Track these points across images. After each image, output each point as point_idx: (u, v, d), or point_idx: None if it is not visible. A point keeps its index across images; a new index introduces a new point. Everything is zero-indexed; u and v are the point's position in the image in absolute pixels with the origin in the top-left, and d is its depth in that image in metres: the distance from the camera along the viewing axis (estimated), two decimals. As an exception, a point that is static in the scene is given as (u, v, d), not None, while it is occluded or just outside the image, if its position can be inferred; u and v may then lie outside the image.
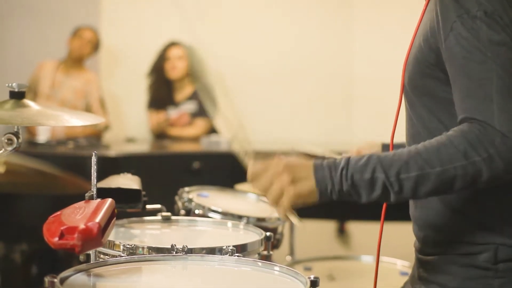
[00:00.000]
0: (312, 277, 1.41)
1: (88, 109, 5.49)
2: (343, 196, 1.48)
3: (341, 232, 5.83)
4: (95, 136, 5.33)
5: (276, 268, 1.52)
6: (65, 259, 4.41)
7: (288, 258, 2.97)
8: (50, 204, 3.77)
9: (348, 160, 1.48)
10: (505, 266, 1.57)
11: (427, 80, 1.61)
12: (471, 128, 1.45)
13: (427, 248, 1.70)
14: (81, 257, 1.80)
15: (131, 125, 6.23)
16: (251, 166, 1.57)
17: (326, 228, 5.65)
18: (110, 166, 3.91)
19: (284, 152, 3.05)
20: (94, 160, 1.67)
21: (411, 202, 1.77)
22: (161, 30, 6.23)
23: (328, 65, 6.58)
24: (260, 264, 1.55)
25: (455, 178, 1.44)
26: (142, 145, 5.53)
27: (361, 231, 5.57)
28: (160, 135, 5.65)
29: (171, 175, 4.14)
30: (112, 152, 4.49)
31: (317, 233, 5.45)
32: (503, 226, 1.59)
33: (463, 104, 1.49)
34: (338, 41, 6.60)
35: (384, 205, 1.75)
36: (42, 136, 4.68)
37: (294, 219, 1.55)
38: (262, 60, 6.48)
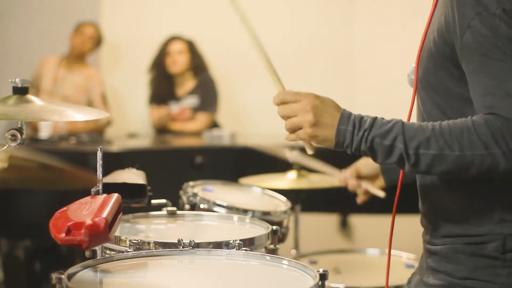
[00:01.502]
0: (321, 270, 1.40)
1: (90, 104, 5.48)
2: (358, 153, 1.53)
3: (344, 226, 5.83)
4: (97, 132, 5.33)
5: (285, 262, 1.51)
6: (68, 255, 4.41)
7: (293, 251, 2.96)
8: (53, 200, 3.76)
9: (373, 122, 1.52)
10: None
11: (441, 75, 1.61)
12: (496, 120, 1.46)
13: (436, 239, 1.69)
14: (87, 253, 1.78)
15: (133, 120, 6.23)
16: (283, 91, 1.62)
17: (328, 221, 5.65)
18: (113, 161, 3.89)
19: (291, 148, 3.06)
20: (99, 155, 1.65)
21: (419, 198, 1.77)
22: (162, 24, 6.22)
23: (329, 57, 6.57)
24: (268, 258, 1.54)
25: (472, 165, 1.47)
26: (144, 140, 5.52)
27: (364, 224, 5.57)
28: (161, 130, 5.64)
29: (174, 170, 4.13)
30: (115, 147, 4.48)
31: (319, 226, 5.45)
32: (510, 217, 1.59)
33: (484, 102, 1.50)
34: (340, 33, 6.59)
35: (396, 199, 1.75)
36: (44, 132, 4.67)
37: (309, 147, 1.61)
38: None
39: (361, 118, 1.53)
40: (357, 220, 5.69)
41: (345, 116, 1.54)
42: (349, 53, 6.57)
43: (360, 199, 2.41)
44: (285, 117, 1.58)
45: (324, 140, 1.54)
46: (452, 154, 1.47)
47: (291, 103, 1.57)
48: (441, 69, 1.60)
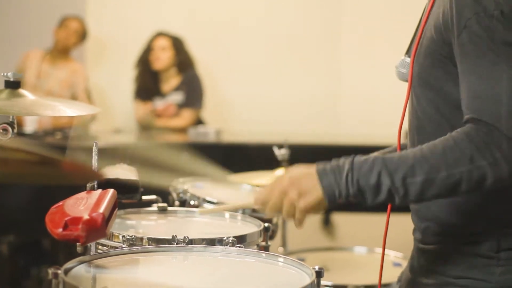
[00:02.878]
0: (317, 267, 1.41)
1: (74, 100, 5.45)
2: (350, 199, 1.50)
3: (327, 223, 5.84)
4: (82, 127, 5.29)
5: (280, 259, 1.52)
6: (51, 251, 4.39)
7: (280, 249, 2.97)
8: (37, 195, 3.74)
9: (352, 163, 1.48)
10: (507, 255, 1.58)
11: (437, 73, 1.59)
12: (477, 131, 1.44)
13: (428, 238, 1.70)
14: (79, 249, 1.78)
15: (117, 116, 6.20)
16: (257, 194, 1.58)
17: (311, 219, 5.65)
18: (99, 156, 3.87)
19: (279, 145, 3.06)
20: (95, 150, 1.66)
21: None
22: (148, 20, 6.20)
23: (315, 57, 6.57)
24: (264, 255, 1.55)
25: (460, 182, 1.45)
26: (129, 136, 5.50)
27: (346, 222, 5.59)
28: (146, 126, 5.62)
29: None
30: (101, 143, 4.45)
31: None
32: (506, 216, 1.60)
33: (471, 104, 1.48)
34: (325, 36, 6.59)
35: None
36: (30, 126, 4.64)
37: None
38: (250, 52, 6.47)
39: (337, 164, 1.50)
40: (339, 218, 5.71)
41: (321, 170, 1.50)
42: (336, 55, 6.58)
43: None
44: (277, 210, 1.54)
45: (319, 204, 1.50)
46: (439, 175, 1.44)
47: (270, 196, 1.54)
48: (439, 67, 1.59)
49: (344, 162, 1.49)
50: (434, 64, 1.59)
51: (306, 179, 1.50)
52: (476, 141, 1.43)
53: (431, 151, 1.46)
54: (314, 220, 5.72)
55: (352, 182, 1.47)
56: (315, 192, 1.49)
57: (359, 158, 1.50)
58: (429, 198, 1.49)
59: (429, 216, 1.68)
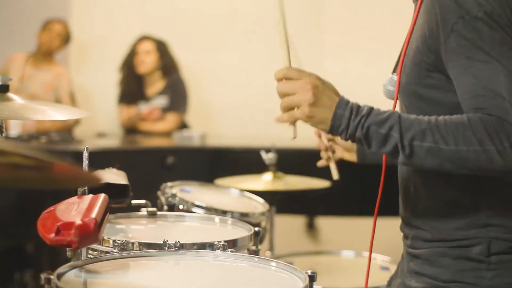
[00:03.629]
0: (309, 272, 1.41)
1: (58, 103, 5.41)
2: (353, 139, 1.53)
3: (311, 227, 5.85)
4: (66, 131, 5.27)
5: (273, 263, 1.52)
6: (35, 255, 4.36)
7: (268, 253, 2.97)
8: (20, 199, 3.72)
9: (370, 110, 1.52)
10: (497, 259, 1.60)
11: (426, 84, 1.62)
12: (491, 119, 1.47)
13: (418, 243, 1.71)
14: (69, 254, 1.78)
15: (101, 120, 6.17)
16: (287, 67, 1.60)
17: (295, 223, 5.67)
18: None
19: (266, 149, 3.06)
20: (85, 154, 1.65)
21: (400, 203, 1.78)
22: (133, 24, 6.18)
23: (300, 61, 6.57)
24: (256, 259, 1.54)
25: (466, 160, 1.48)
26: (113, 140, 5.48)
27: (330, 226, 5.60)
28: (130, 130, 5.60)
29: (145, 170, 4.11)
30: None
31: (286, 228, 5.47)
32: (496, 220, 1.61)
33: (475, 103, 1.51)
34: (308, 40, 6.60)
35: (377, 203, 1.76)
36: (13, 130, 4.61)
37: (294, 131, 1.59)
38: (234, 56, 6.47)
39: (358, 106, 1.53)
40: (323, 222, 5.72)
41: (343, 101, 1.53)
42: (319, 61, 6.59)
43: (320, 163, 2.31)
44: (284, 94, 1.56)
45: (320, 122, 1.54)
46: (447, 148, 1.47)
47: (293, 80, 1.55)
48: (427, 78, 1.61)
49: (365, 106, 1.53)
50: (422, 76, 1.62)
51: (328, 96, 1.53)
52: (488, 127, 1.46)
53: (445, 122, 1.49)
54: (299, 224, 5.73)
55: (362, 126, 1.51)
56: (326, 112, 1.52)
57: (379, 109, 1.53)
58: (432, 166, 1.51)
59: (419, 223, 1.69)
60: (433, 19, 1.57)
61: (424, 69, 1.61)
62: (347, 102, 1.54)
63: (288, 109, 1.55)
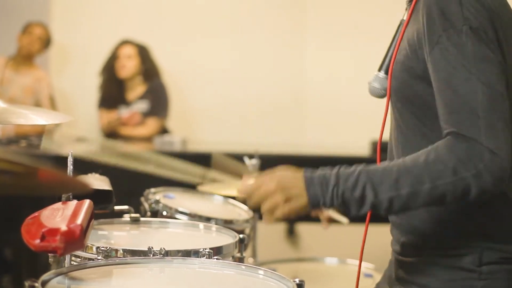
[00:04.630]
0: (297, 280, 1.40)
1: (37, 107, 5.36)
2: (333, 208, 1.55)
3: (291, 233, 5.84)
4: (45, 135, 5.22)
5: (261, 271, 1.50)
6: (14, 261, 4.31)
7: (251, 260, 2.95)
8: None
9: (337, 176, 1.51)
10: (488, 269, 1.59)
11: (416, 88, 1.62)
12: (459, 143, 1.46)
13: (408, 250, 1.70)
14: (51, 260, 1.75)
15: (81, 124, 6.13)
16: (243, 183, 1.60)
17: (275, 229, 5.65)
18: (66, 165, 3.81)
19: (250, 155, 3.04)
20: (70, 159, 1.62)
21: None
22: (114, 28, 6.15)
23: (280, 71, 6.58)
24: (243, 267, 1.53)
25: (445, 194, 1.47)
26: (93, 145, 5.43)
27: (310, 232, 5.59)
28: (110, 134, 5.56)
29: (127, 176, 4.07)
30: (66, 152, 4.39)
31: (267, 235, 5.46)
32: (488, 231, 1.61)
33: (449, 119, 1.51)
34: (290, 44, 6.61)
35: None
36: (-8, 134, 4.55)
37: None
38: (216, 61, 6.45)
39: (324, 176, 1.52)
40: (303, 228, 5.71)
41: (308, 179, 1.53)
42: (300, 66, 6.60)
43: (324, 224, 2.32)
44: (257, 205, 1.57)
45: (302, 210, 1.54)
46: (423, 188, 1.46)
47: (255, 191, 1.56)
48: (417, 83, 1.61)
49: (331, 174, 1.52)
50: (412, 81, 1.62)
51: (293, 186, 1.53)
52: (458, 153, 1.46)
53: (414, 163, 1.48)
54: (279, 230, 5.72)
55: (337, 195, 1.50)
56: (301, 199, 1.53)
57: (345, 171, 1.52)
58: (414, 209, 1.52)
59: (411, 230, 1.69)
60: (421, 29, 1.58)
61: (414, 75, 1.61)
62: (312, 178, 1.53)
63: (270, 213, 1.56)
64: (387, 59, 1.75)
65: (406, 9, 1.77)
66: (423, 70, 1.58)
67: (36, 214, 1.44)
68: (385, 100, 1.73)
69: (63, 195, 1.57)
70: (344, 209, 1.53)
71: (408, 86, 1.63)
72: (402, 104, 1.66)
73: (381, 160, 1.75)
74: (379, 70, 1.77)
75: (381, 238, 1.87)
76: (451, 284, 1.61)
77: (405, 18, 1.76)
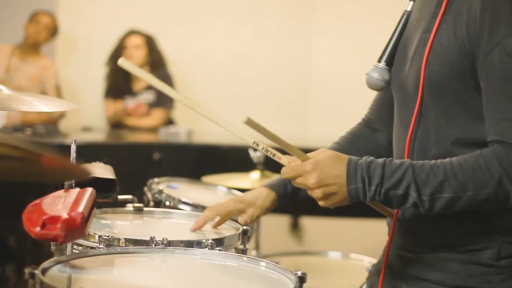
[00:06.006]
0: (299, 273, 1.38)
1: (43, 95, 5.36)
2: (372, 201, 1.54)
3: (295, 227, 5.83)
4: (51, 123, 5.22)
5: (263, 263, 1.49)
6: (17, 249, 4.31)
7: (254, 252, 2.94)
8: (1, 192, 3.67)
9: (383, 173, 1.49)
10: (507, 262, 1.59)
11: (455, 83, 1.56)
12: (507, 153, 1.47)
13: (418, 248, 1.68)
14: (53, 248, 1.74)
15: (87, 114, 6.13)
16: (287, 165, 1.56)
17: (280, 222, 5.65)
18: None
19: (254, 148, 3.03)
20: (73, 147, 1.61)
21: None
22: (120, 18, 6.14)
23: (285, 62, 6.56)
24: (245, 259, 1.52)
25: (485, 202, 1.48)
26: (99, 134, 5.44)
27: (314, 226, 5.59)
28: (116, 124, 5.56)
29: (131, 166, 4.07)
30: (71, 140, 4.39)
31: (271, 227, 5.46)
32: (506, 225, 1.60)
33: (498, 127, 1.49)
34: (296, 39, 6.59)
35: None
36: (-2, 122, 4.55)
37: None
38: (222, 52, 6.44)
39: (368, 170, 1.50)
40: (307, 222, 5.71)
41: (352, 174, 1.51)
42: (305, 60, 6.58)
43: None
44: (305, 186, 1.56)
45: (339, 203, 1.54)
46: (467, 194, 1.48)
47: (297, 180, 1.55)
48: (457, 78, 1.55)
49: (375, 171, 1.50)
50: (453, 75, 1.56)
51: (334, 183, 1.51)
52: (506, 165, 1.46)
53: (461, 168, 1.48)
54: (282, 224, 5.71)
55: (379, 194, 1.50)
56: (341, 195, 1.52)
57: (391, 167, 1.50)
58: (451, 212, 1.52)
59: (422, 227, 1.67)
60: (478, 25, 1.51)
61: (456, 70, 1.55)
62: (355, 172, 1.51)
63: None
64: (388, 50, 1.71)
65: (409, 0, 1.74)
66: (469, 66, 1.53)
67: (37, 201, 1.43)
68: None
69: (65, 183, 1.56)
70: (385, 204, 1.55)
71: (447, 81, 1.57)
72: (435, 98, 1.60)
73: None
74: (379, 60, 1.73)
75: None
76: (469, 279, 1.60)
77: (408, 9, 1.73)
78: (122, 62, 1.67)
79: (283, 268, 1.45)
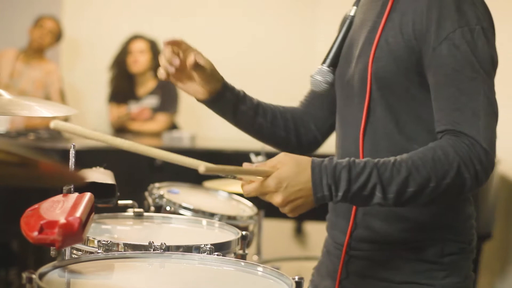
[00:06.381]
0: (296, 278, 1.39)
1: (47, 100, 5.37)
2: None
3: (299, 232, 5.83)
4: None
5: (260, 268, 1.49)
6: (21, 253, 4.32)
7: (255, 257, 2.94)
8: (5, 197, 3.68)
9: (349, 179, 1.47)
10: (449, 259, 1.64)
11: (402, 79, 1.60)
12: (461, 143, 1.48)
13: (363, 245, 1.71)
14: (53, 253, 1.74)
15: (90, 118, 6.14)
16: (247, 189, 1.54)
17: (283, 227, 5.65)
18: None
19: (256, 153, 3.04)
20: (72, 152, 1.62)
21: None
22: (124, 23, 6.15)
23: (289, 61, 6.56)
24: (243, 264, 1.52)
25: (444, 192, 1.49)
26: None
27: (318, 231, 5.58)
28: (120, 129, 5.57)
29: (134, 170, 4.07)
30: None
31: (274, 232, 5.46)
32: (450, 223, 1.64)
33: (450, 116, 1.51)
34: (301, 38, 6.60)
35: None
36: (1, 126, 4.56)
37: None
38: (226, 57, 6.44)
39: (334, 176, 1.47)
40: (311, 227, 5.70)
41: (317, 182, 1.47)
42: (310, 60, 6.58)
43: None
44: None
45: (307, 209, 1.52)
46: (430, 186, 1.48)
47: (262, 198, 1.53)
48: (404, 73, 1.59)
49: (340, 174, 1.47)
50: (399, 71, 1.59)
51: (300, 196, 1.48)
52: (462, 154, 1.47)
53: (422, 161, 1.48)
54: (286, 229, 5.71)
55: (346, 197, 1.49)
56: (308, 204, 1.50)
57: (356, 169, 1.48)
58: (410, 205, 1.53)
59: (367, 224, 1.69)
60: (424, 21, 1.56)
61: (402, 66, 1.59)
62: (320, 180, 1.47)
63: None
64: (332, 52, 1.76)
65: (353, 5, 1.77)
66: (415, 63, 1.57)
67: (36, 206, 1.44)
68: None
69: (64, 188, 1.57)
70: (350, 203, 1.56)
71: (394, 76, 1.60)
72: (381, 93, 1.63)
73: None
74: (323, 63, 1.76)
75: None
76: (414, 276, 1.65)
77: (351, 13, 1.77)
78: (54, 124, 1.53)
79: (280, 273, 1.45)
